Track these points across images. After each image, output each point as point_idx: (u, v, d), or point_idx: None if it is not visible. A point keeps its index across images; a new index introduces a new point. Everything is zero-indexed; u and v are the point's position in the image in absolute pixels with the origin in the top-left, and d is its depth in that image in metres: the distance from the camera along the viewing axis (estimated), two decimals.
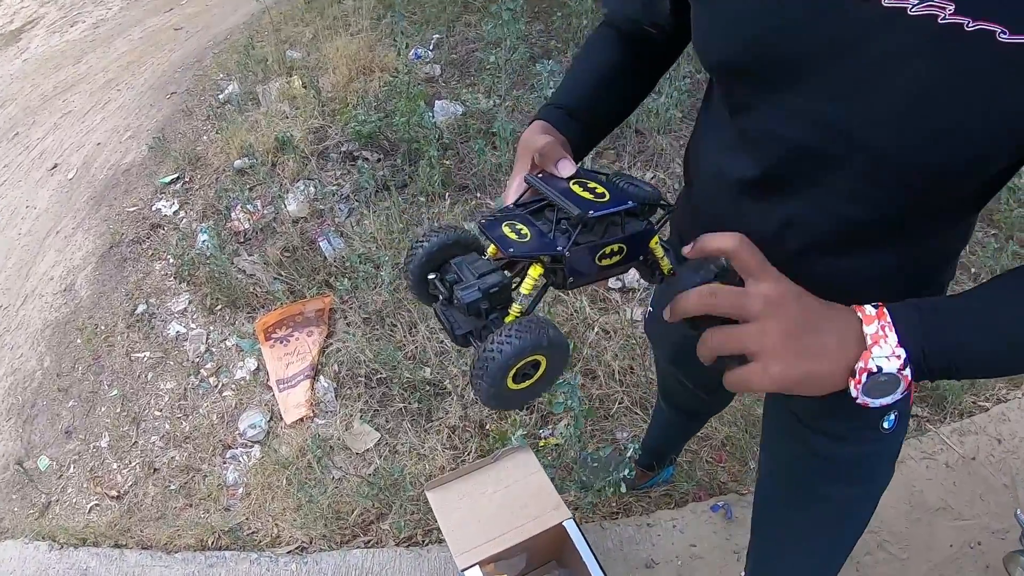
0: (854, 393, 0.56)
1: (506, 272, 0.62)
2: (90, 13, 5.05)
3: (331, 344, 2.35)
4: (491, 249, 0.64)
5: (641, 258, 0.65)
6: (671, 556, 1.71)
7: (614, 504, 1.80)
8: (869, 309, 0.57)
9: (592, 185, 0.64)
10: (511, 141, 2.86)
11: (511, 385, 0.56)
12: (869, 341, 0.55)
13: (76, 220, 3.10)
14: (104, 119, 3.68)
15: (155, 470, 2.21)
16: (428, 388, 2.15)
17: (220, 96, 3.57)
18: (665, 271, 0.68)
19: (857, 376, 0.55)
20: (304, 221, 2.76)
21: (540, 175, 0.69)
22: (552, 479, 1.66)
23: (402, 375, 2.17)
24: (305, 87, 3.40)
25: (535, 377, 0.59)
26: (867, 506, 0.94)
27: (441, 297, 0.62)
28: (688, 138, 0.88)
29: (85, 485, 2.23)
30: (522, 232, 0.61)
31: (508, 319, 0.59)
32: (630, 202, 0.61)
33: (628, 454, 1.62)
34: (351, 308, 2.44)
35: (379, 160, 3.01)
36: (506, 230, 0.61)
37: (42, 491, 2.27)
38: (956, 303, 0.57)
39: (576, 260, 0.59)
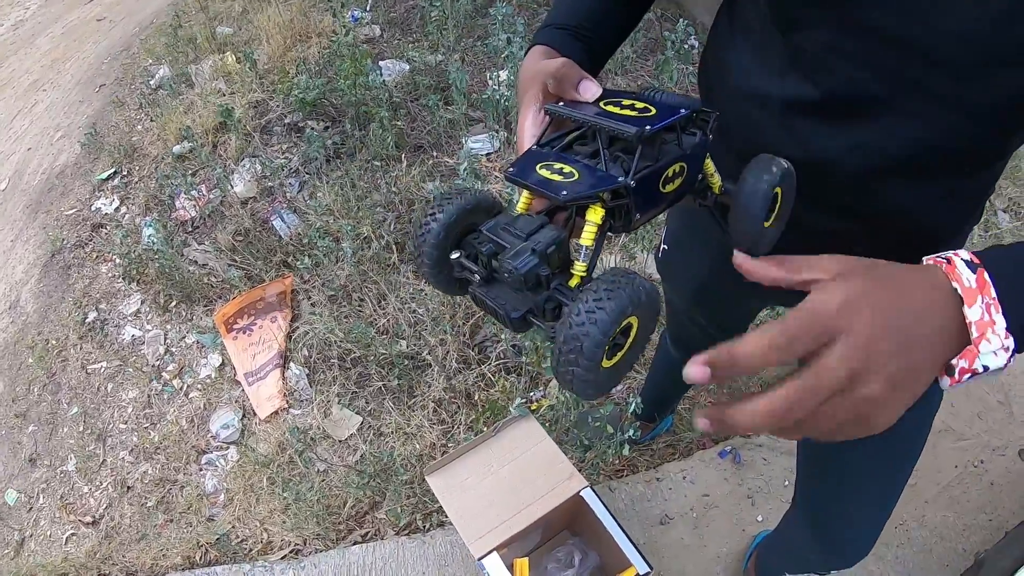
0: (944, 385, 0.43)
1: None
2: (7, 15, 4.54)
3: (297, 328, 2.08)
4: (521, 203, 0.51)
5: (700, 177, 0.52)
6: (685, 509, 1.52)
7: (618, 462, 1.60)
8: (967, 276, 0.41)
9: (627, 103, 0.50)
10: (466, 93, 2.56)
11: (604, 363, 0.42)
12: (975, 332, 0.40)
13: (14, 232, 2.75)
14: (32, 122, 3.29)
15: (128, 488, 1.95)
16: (406, 362, 1.91)
17: (151, 82, 3.19)
18: (716, 189, 0.54)
19: (956, 375, 0.41)
20: (254, 201, 2.45)
21: (561, 104, 0.54)
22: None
23: (377, 351, 1.93)
24: (239, 62, 3.04)
25: (626, 346, 0.44)
26: (924, 432, 0.84)
27: (478, 278, 0.47)
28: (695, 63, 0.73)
29: (57, 515, 1.97)
30: (565, 171, 0.47)
31: (573, 282, 0.46)
32: (682, 109, 0.48)
33: (631, 409, 1.40)
34: (314, 287, 2.16)
35: (326, 128, 2.69)
36: (544, 173, 0.47)
37: (14, 528, 2.00)
38: None
39: (643, 190, 0.46)
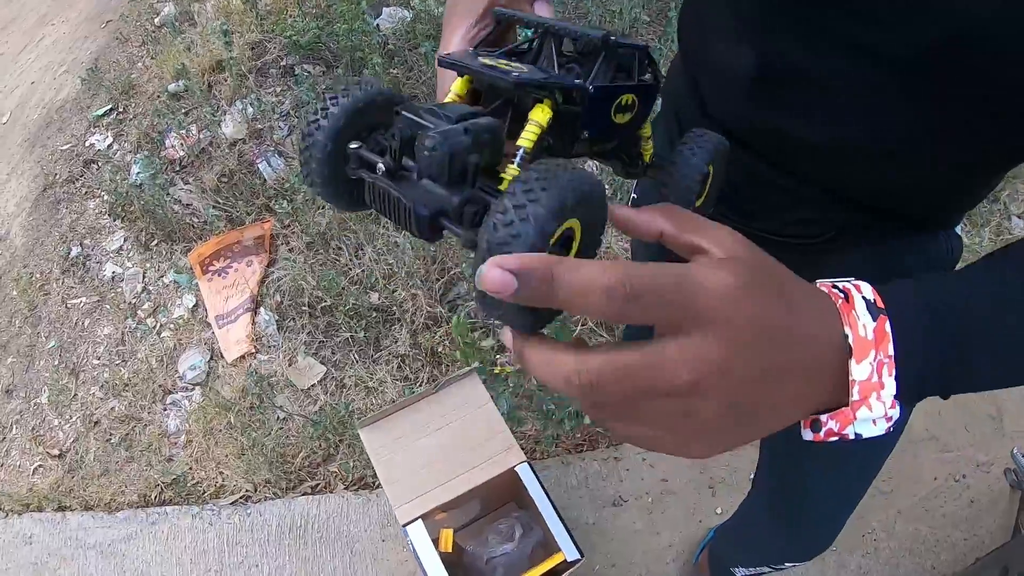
0: (806, 436, 0.33)
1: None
2: None
3: (272, 273, 1.95)
4: (451, 97, 0.40)
5: (635, 141, 0.46)
6: (641, 492, 1.37)
7: (578, 436, 1.44)
8: (864, 322, 0.31)
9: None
10: None
11: None
12: (856, 395, 0.31)
13: (10, 165, 2.63)
14: (38, 57, 3.14)
15: (96, 423, 1.86)
16: (375, 315, 1.77)
17: (156, 19, 3.01)
18: (647, 158, 0.47)
19: (822, 432, 0.32)
20: (242, 143, 2.29)
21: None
22: (512, 408, 1.30)
23: (347, 302, 1.78)
24: (243, 1, 2.85)
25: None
26: (896, 435, 0.72)
27: (383, 168, 0.35)
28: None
29: (27, 446, 1.89)
30: (513, 64, 0.38)
31: (503, 186, 0.34)
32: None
33: None
34: (293, 232, 2.02)
35: (322, 73, 2.51)
36: (488, 60, 0.38)
37: None
38: (967, 299, 0.33)
39: (597, 103, 0.38)
